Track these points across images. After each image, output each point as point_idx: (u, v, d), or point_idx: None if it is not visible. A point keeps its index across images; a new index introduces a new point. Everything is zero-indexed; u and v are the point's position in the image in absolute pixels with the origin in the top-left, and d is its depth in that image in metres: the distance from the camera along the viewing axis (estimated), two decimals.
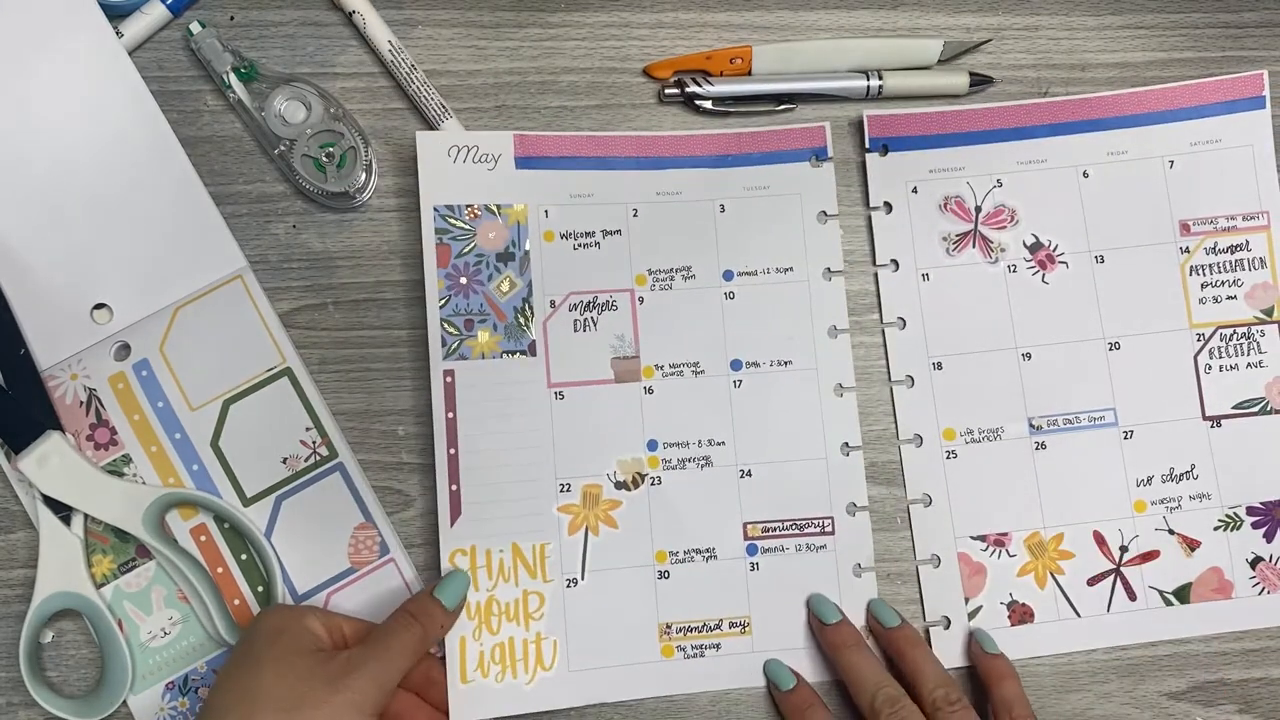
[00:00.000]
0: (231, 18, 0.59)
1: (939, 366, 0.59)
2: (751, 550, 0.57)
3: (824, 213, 0.59)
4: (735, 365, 0.58)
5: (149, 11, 0.58)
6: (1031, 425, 0.58)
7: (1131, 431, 0.59)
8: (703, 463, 0.57)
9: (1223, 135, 0.60)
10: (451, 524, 0.55)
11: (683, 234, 0.59)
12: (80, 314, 0.56)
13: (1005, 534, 0.58)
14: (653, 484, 0.57)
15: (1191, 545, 0.58)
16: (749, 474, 0.57)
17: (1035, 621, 0.57)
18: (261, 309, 0.57)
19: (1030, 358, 0.59)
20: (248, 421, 0.56)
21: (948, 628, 0.57)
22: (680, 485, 0.57)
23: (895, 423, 0.58)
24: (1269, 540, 0.58)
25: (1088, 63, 0.62)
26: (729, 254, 0.59)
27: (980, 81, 0.61)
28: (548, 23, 0.60)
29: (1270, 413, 0.59)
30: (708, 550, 0.57)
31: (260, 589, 0.55)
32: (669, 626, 0.56)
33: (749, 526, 0.57)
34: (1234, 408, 0.59)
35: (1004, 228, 0.60)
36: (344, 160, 0.57)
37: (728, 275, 0.59)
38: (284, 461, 0.56)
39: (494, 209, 0.58)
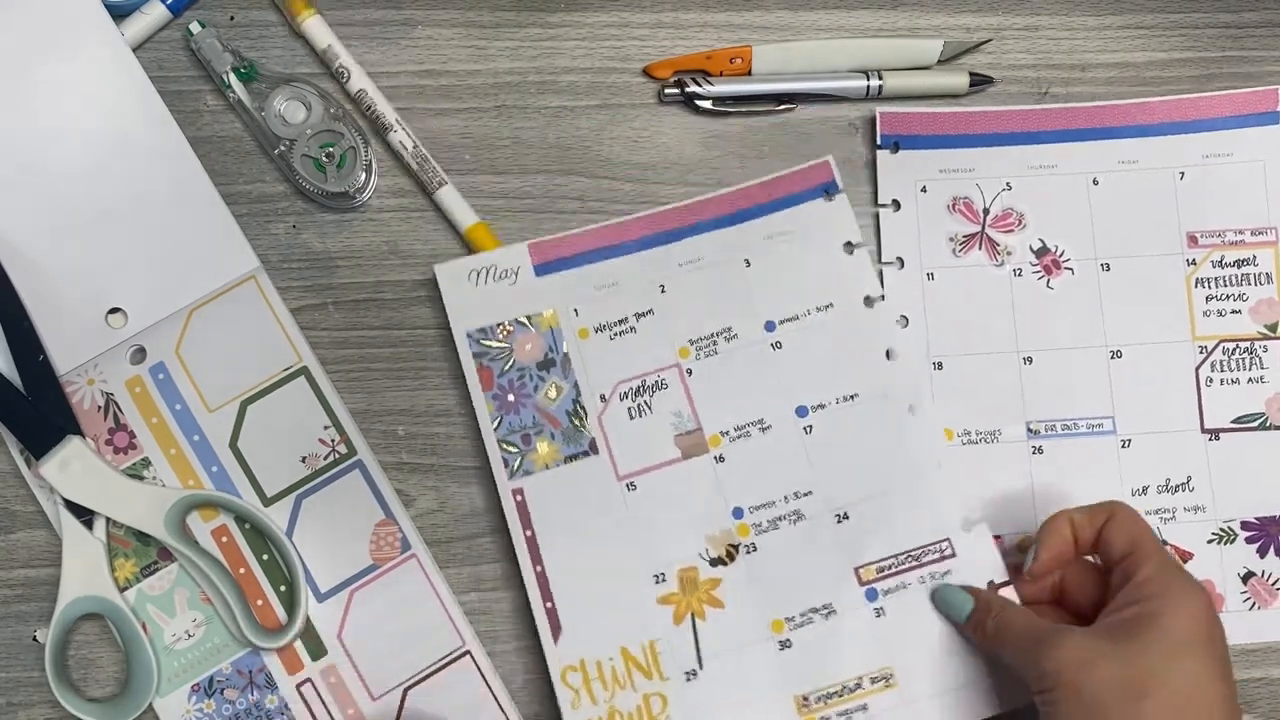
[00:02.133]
0: (231, 18, 0.59)
1: (939, 366, 0.59)
2: (871, 595, 0.54)
3: (849, 243, 0.58)
4: (800, 412, 0.56)
5: (149, 11, 0.58)
6: (1029, 429, 0.58)
7: (1129, 440, 0.58)
8: (794, 518, 0.55)
9: (1234, 149, 0.59)
10: (555, 642, 0.53)
11: (715, 298, 0.57)
12: (95, 319, 0.56)
13: (998, 537, 0.57)
14: (748, 552, 0.55)
15: (1184, 557, 0.58)
16: (845, 517, 0.55)
17: None
18: (276, 309, 0.57)
19: (1031, 362, 0.59)
20: (266, 422, 0.56)
21: None
22: (778, 547, 0.55)
23: None
24: (1262, 556, 0.58)
25: (1088, 63, 0.61)
26: (765, 305, 0.57)
27: (980, 81, 0.60)
28: (548, 23, 0.60)
29: (1269, 428, 0.58)
30: (825, 607, 0.54)
31: (283, 588, 0.55)
32: (806, 699, 0.53)
33: (862, 571, 0.54)
34: (1233, 422, 0.58)
35: (1011, 231, 0.59)
36: (344, 160, 0.57)
37: (769, 326, 0.57)
38: (303, 460, 0.56)
39: (525, 321, 0.57)
